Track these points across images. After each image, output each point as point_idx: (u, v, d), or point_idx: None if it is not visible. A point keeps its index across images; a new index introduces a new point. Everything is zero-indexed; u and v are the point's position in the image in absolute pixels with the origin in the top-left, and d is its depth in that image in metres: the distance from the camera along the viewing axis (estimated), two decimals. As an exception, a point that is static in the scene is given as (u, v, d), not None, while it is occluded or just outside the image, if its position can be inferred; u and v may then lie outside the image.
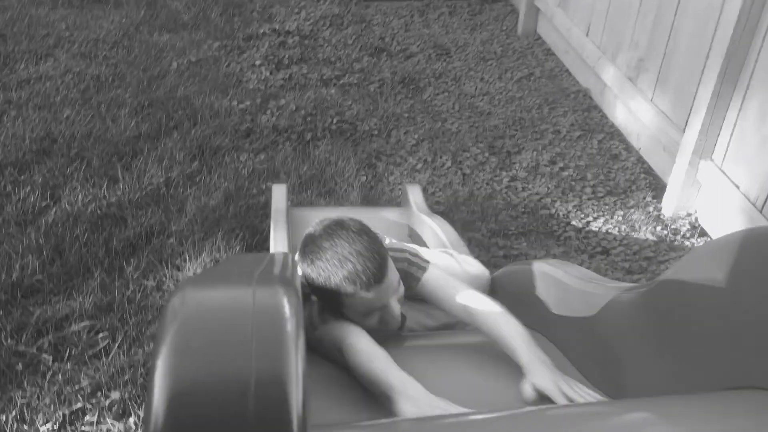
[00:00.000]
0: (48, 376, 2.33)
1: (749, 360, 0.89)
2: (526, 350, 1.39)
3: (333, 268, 1.44)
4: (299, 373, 0.72)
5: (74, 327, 2.53)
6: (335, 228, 1.49)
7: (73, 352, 2.44)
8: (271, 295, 0.82)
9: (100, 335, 2.50)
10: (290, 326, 0.76)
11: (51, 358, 2.42)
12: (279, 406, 0.69)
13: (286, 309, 0.79)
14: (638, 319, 1.13)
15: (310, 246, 1.49)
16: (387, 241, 1.80)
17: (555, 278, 1.47)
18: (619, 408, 0.93)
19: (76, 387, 2.29)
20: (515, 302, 1.66)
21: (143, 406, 2.19)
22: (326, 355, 1.51)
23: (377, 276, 1.44)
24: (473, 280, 1.88)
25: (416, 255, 1.70)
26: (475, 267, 1.98)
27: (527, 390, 1.35)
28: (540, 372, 1.35)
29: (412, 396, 1.29)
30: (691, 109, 3.16)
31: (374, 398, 1.35)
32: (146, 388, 0.87)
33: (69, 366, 2.38)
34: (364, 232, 1.49)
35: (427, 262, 1.69)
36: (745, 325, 0.91)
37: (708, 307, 0.97)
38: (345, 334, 1.47)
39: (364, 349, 1.42)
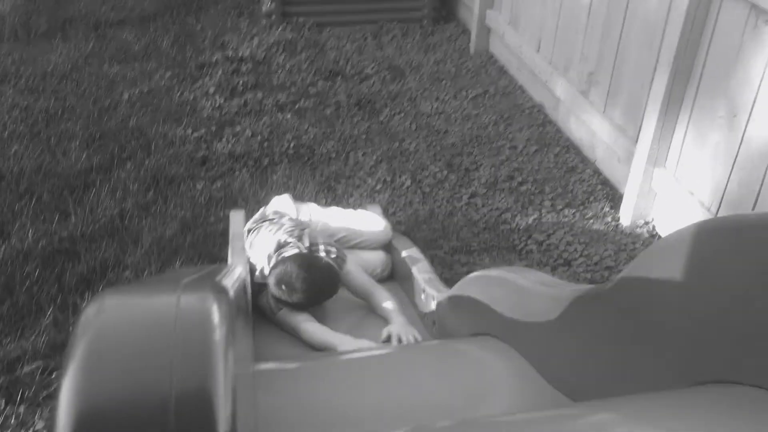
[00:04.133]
0: (0, 421, 2.23)
1: (711, 354, 0.88)
2: (395, 315, 2.27)
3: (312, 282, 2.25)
4: (228, 386, 0.66)
5: (26, 368, 2.43)
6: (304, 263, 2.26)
7: (26, 395, 2.34)
8: (198, 301, 0.74)
9: (54, 375, 2.41)
10: (219, 335, 0.69)
11: (3, 401, 2.31)
12: (203, 424, 0.63)
13: (215, 316, 0.72)
14: (600, 319, 1.12)
15: (291, 280, 2.22)
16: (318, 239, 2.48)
17: (515, 284, 1.45)
18: (585, 410, 0.91)
19: (31, 431, 2.19)
20: (477, 311, 1.64)
21: None
22: (284, 330, 2.30)
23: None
24: (378, 235, 2.78)
25: (340, 250, 2.46)
26: (378, 225, 2.80)
27: (384, 332, 2.20)
28: (396, 325, 2.21)
29: (346, 343, 2.10)
30: (642, 120, 3.21)
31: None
32: (52, 411, 0.79)
33: (22, 409, 2.28)
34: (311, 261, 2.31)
35: (345, 256, 2.45)
36: (704, 318, 0.90)
37: (667, 303, 0.96)
38: (297, 321, 2.26)
39: (310, 329, 2.22)
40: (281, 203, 2.77)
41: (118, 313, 0.74)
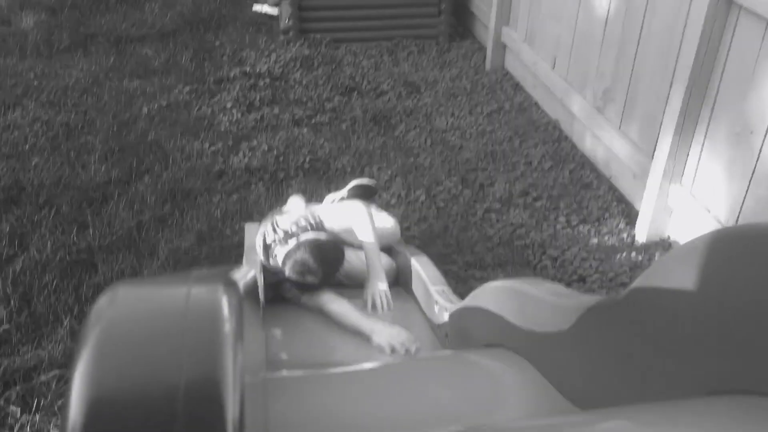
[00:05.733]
0: (16, 429, 2.25)
1: (726, 364, 0.88)
2: (371, 271, 2.52)
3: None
4: (236, 376, 0.66)
5: (43, 377, 2.46)
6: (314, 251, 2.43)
7: (42, 403, 2.36)
8: (207, 293, 0.76)
9: (70, 384, 2.43)
10: (228, 326, 0.70)
11: (19, 410, 2.33)
12: (212, 412, 0.64)
13: (224, 308, 0.73)
14: (613, 329, 1.11)
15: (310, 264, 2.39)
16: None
17: (528, 295, 1.45)
18: (595, 418, 0.90)
19: (46, 439, 2.21)
20: (489, 321, 1.64)
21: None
22: (312, 310, 2.46)
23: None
24: (387, 231, 2.83)
25: (312, 216, 2.59)
26: (388, 222, 2.89)
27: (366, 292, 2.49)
28: (368, 289, 2.48)
29: (377, 330, 2.23)
30: (658, 136, 3.20)
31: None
32: (64, 398, 0.81)
33: (38, 417, 2.30)
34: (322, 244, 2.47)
35: (319, 217, 2.60)
36: (718, 328, 0.90)
37: (680, 312, 0.96)
38: (323, 302, 2.43)
39: (337, 310, 2.38)
40: (292, 203, 2.99)
41: (130, 303, 0.75)
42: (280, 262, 2.50)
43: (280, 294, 2.59)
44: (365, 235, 2.55)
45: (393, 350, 2.18)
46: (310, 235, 2.50)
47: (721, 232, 0.93)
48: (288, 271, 2.44)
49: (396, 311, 2.49)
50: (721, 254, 0.90)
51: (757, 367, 0.83)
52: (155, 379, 0.66)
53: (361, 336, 2.27)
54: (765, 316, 0.83)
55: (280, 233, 2.57)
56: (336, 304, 2.42)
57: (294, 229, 2.55)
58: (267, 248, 2.60)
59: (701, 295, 0.92)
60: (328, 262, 2.42)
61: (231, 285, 0.78)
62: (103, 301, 0.75)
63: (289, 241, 2.51)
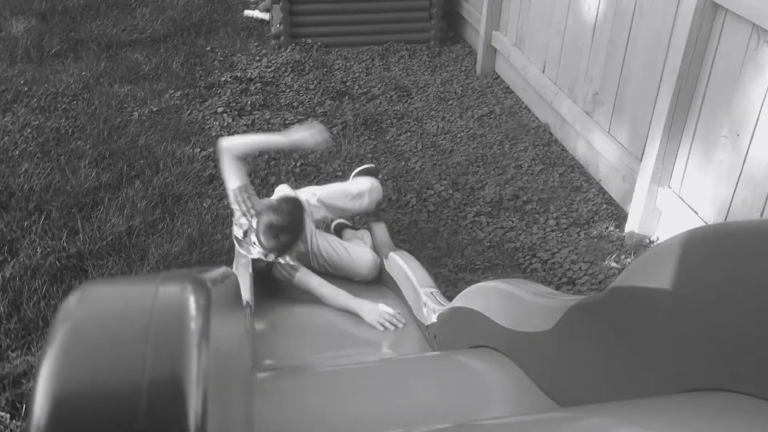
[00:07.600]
0: (5, 435, 2.24)
1: (704, 361, 0.89)
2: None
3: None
4: (200, 374, 0.68)
5: (32, 383, 2.45)
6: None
7: (31, 409, 2.35)
8: (175, 291, 0.77)
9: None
10: (194, 325, 0.71)
11: (9, 416, 2.33)
12: (173, 409, 0.65)
13: (191, 306, 0.74)
14: (594, 327, 1.13)
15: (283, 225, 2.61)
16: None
17: (513, 295, 1.46)
18: (576, 414, 0.91)
19: (35, 445, 2.21)
20: (475, 322, 1.65)
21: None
22: (302, 294, 2.70)
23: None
24: (369, 191, 3.09)
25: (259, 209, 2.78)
26: (368, 183, 3.11)
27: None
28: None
29: (365, 309, 2.54)
30: (646, 139, 3.22)
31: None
32: (30, 395, 0.81)
33: (27, 423, 2.30)
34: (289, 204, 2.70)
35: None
36: (693, 325, 0.91)
37: (658, 311, 0.97)
38: (313, 286, 2.67)
39: (327, 293, 2.64)
40: (278, 193, 3.08)
41: (98, 302, 0.76)
42: (259, 245, 2.65)
43: (273, 278, 2.74)
44: (240, 145, 2.86)
45: (384, 328, 2.48)
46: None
47: (696, 231, 0.94)
48: (266, 243, 2.60)
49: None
50: (696, 253, 0.91)
51: (733, 365, 0.85)
52: (118, 376, 0.67)
53: (351, 314, 2.57)
54: (739, 314, 0.84)
55: (244, 224, 2.71)
56: (326, 288, 2.66)
57: (250, 216, 2.70)
58: (241, 242, 2.75)
59: (678, 293, 0.93)
60: (288, 212, 2.59)
61: (199, 284, 0.79)
62: (71, 300, 0.76)
63: (253, 222, 2.68)
